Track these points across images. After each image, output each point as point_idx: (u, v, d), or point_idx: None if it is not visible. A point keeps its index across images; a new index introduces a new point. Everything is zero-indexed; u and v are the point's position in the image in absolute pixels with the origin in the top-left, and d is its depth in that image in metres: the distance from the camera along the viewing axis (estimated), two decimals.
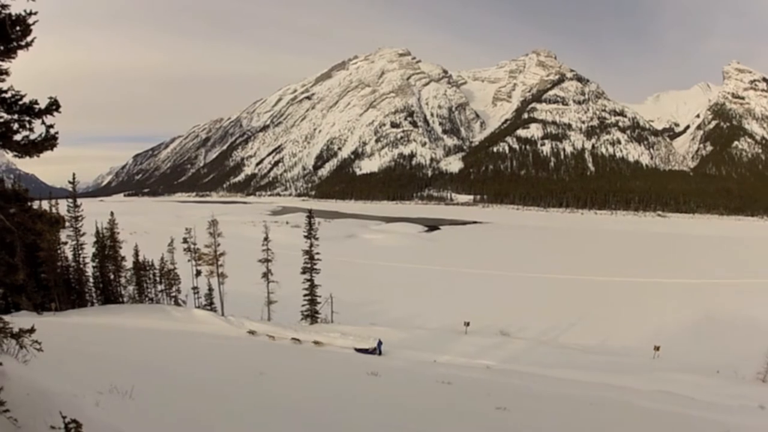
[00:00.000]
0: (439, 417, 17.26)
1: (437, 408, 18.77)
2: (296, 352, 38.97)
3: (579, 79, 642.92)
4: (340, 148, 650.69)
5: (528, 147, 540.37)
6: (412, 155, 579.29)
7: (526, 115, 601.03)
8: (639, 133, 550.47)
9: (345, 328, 53.69)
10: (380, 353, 45.00)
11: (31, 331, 9.42)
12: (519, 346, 50.01)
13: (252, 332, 48.48)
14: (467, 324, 54.62)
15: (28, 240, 9.04)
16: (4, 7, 7.75)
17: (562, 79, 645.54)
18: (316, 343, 46.51)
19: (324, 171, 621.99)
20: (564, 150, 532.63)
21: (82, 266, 64.82)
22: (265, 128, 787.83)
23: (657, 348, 49.17)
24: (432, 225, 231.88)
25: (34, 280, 55.62)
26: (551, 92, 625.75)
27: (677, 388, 33.09)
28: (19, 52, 8.30)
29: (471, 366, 37.94)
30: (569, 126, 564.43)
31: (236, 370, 23.96)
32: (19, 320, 11.47)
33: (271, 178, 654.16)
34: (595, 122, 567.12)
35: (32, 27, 8.07)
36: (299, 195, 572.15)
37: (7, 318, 9.61)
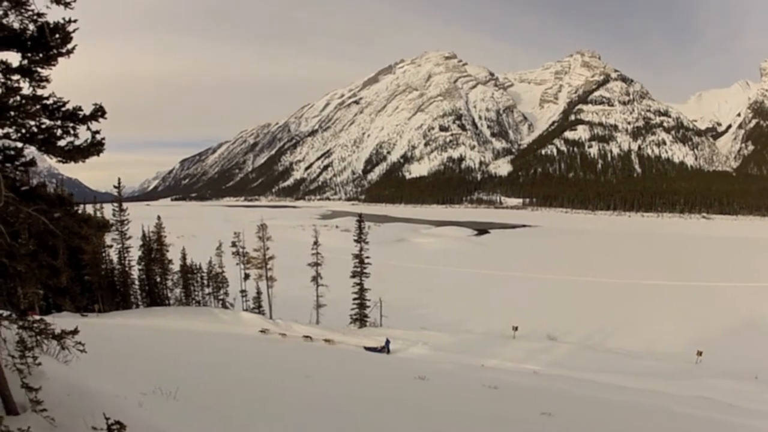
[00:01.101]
0: (484, 422, 17.11)
1: (482, 413, 18.60)
2: (332, 354, 38.96)
3: (623, 79, 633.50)
4: (389, 152, 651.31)
5: (575, 149, 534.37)
6: (461, 159, 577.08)
7: (572, 117, 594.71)
8: (683, 133, 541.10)
9: (394, 332, 53.53)
10: (388, 352, 45.38)
11: (74, 332, 9.44)
12: (565, 351, 49.36)
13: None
14: (515, 328, 54.07)
15: (73, 244, 9.14)
16: (40, 15, 7.85)
17: (606, 80, 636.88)
18: (326, 341, 47.00)
19: (373, 175, 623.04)
20: (611, 152, 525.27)
21: (127, 269, 65.90)
22: (313, 133, 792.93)
23: (700, 353, 48.19)
24: (481, 229, 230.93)
25: (79, 283, 56.70)
26: (596, 93, 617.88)
27: (717, 394, 32.52)
28: (60, 60, 8.38)
29: (518, 371, 37.57)
30: (615, 127, 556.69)
31: (282, 371, 24.07)
32: (61, 321, 11.62)
33: (320, 183, 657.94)
34: (641, 123, 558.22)
35: (72, 35, 8.11)
36: (349, 199, 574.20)
37: (48, 319, 9.72)
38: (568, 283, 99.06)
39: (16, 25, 7.84)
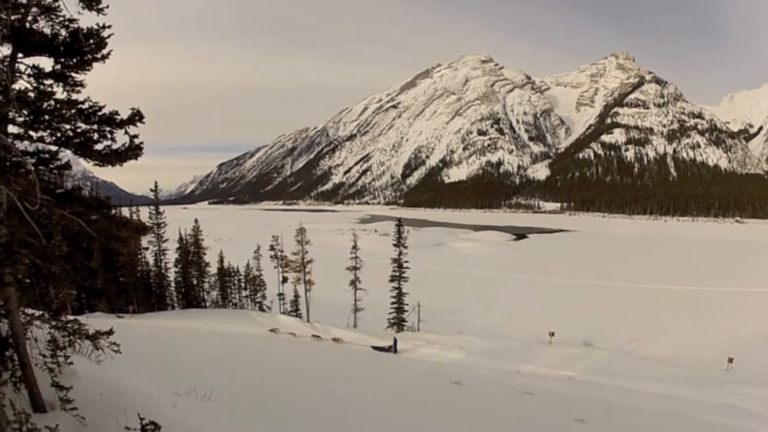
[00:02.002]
0: (519, 428, 17.14)
1: (517, 419, 18.57)
2: (369, 358, 39.02)
3: (657, 81, 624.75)
4: (427, 157, 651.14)
5: (612, 153, 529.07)
6: (499, 163, 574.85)
7: (609, 120, 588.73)
8: (717, 135, 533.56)
9: (431, 337, 53.58)
10: (396, 351, 46.13)
11: (109, 333, 9.58)
12: (600, 357, 48.85)
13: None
14: (552, 334, 53.66)
15: (110, 246, 9.27)
16: (72, 21, 7.96)
17: (641, 82, 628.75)
18: (335, 339, 47.85)
19: (412, 179, 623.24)
20: (647, 155, 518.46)
21: (163, 271, 66.76)
22: (351, 137, 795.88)
23: (730, 360, 47.35)
24: (520, 233, 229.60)
25: (115, 284, 57.53)
26: (632, 96, 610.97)
27: (746, 402, 31.94)
28: (95, 65, 8.49)
29: (553, 377, 37.27)
30: (651, 130, 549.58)
31: (318, 374, 24.16)
32: (94, 321, 11.75)
33: (359, 187, 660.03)
34: (675, 126, 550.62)
35: (107, 40, 8.20)
36: (388, 203, 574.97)
37: (82, 319, 9.84)
38: (605, 289, 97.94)
39: (47, 31, 7.97)
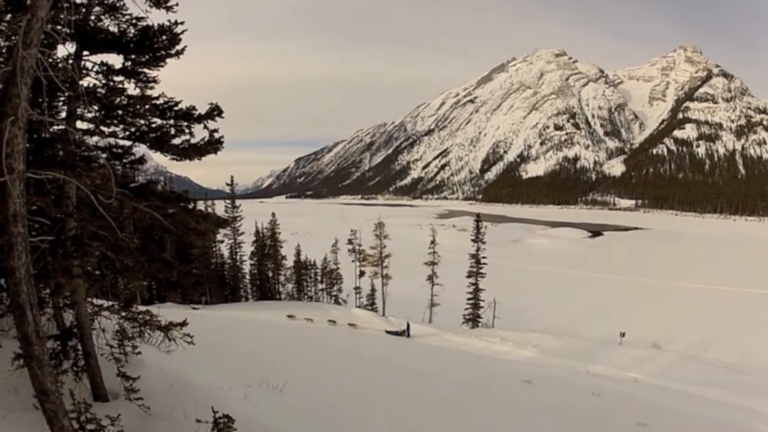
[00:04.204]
0: (585, 428, 17.36)
1: (583, 419, 18.77)
2: (446, 356, 38.93)
3: (724, 75, 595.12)
4: (505, 152, 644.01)
5: (684, 149, 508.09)
6: (576, 158, 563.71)
7: (680, 115, 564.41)
8: None
9: (505, 334, 53.13)
10: (408, 335, 48.12)
11: (183, 324, 9.65)
12: (667, 360, 47.53)
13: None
14: (623, 334, 52.60)
15: (188, 239, 9.37)
16: (139, 19, 8.07)
17: (709, 76, 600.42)
18: (351, 325, 49.26)
19: (490, 174, 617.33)
20: (717, 151, 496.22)
21: (238, 264, 68.06)
22: (429, 132, 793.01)
23: None
24: (595, 231, 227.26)
25: (190, 276, 59.00)
26: (701, 90, 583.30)
27: None
28: (169, 61, 8.60)
29: (620, 378, 36.80)
30: (720, 125, 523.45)
31: (391, 369, 24.32)
32: (166, 312, 11.93)
33: (437, 182, 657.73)
34: (743, 121, 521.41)
35: (181, 36, 8.24)
36: (466, 198, 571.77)
37: (154, 310, 10.00)
38: (676, 289, 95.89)
39: (113, 29, 8.12)
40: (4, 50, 7.48)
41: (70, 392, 6.76)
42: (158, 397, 8.64)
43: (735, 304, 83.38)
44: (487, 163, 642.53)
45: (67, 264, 7.39)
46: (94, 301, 9.03)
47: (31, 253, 6.14)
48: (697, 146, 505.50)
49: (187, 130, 8.71)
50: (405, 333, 47.94)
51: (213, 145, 8.85)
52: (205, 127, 8.67)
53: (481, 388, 22.82)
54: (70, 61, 7.69)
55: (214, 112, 8.62)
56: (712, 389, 35.24)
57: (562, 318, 70.46)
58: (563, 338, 54.15)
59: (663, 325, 67.37)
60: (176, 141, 8.73)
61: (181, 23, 8.16)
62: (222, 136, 8.88)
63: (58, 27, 7.13)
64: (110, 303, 9.33)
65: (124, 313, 9.27)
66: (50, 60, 7.12)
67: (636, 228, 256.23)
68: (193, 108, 8.61)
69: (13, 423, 7.40)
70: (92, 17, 8.00)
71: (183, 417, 8.32)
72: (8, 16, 7.22)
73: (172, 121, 8.65)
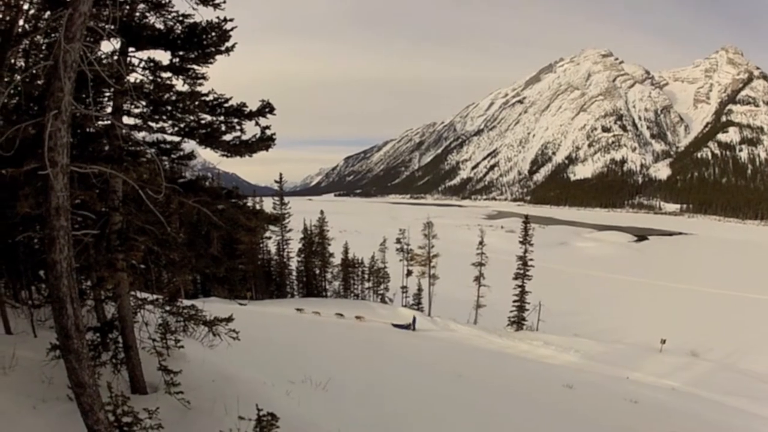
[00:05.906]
0: None
1: (620, 426, 18.74)
2: (486, 357, 38.75)
3: (765, 77, 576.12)
4: (554, 153, 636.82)
5: (728, 153, 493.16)
6: (623, 161, 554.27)
7: (724, 118, 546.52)
8: None
9: (548, 337, 52.92)
10: (414, 329, 47.97)
11: (229, 320, 9.72)
12: (704, 369, 46.64)
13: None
14: (663, 341, 51.75)
15: (237, 235, 9.41)
16: (186, 16, 8.09)
17: (750, 78, 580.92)
18: (357, 318, 48.92)
19: (539, 176, 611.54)
20: (759, 156, 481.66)
21: (285, 260, 68.40)
22: (479, 132, 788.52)
23: None
24: (640, 235, 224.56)
25: (237, 272, 59.53)
26: (743, 93, 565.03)
27: None
28: (219, 57, 8.61)
29: (658, 386, 36.44)
30: (761, 129, 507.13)
31: (432, 369, 24.26)
32: (212, 307, 11.97)
33: (486, 183, 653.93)
34: None
35: (230, 33, 8.26)
36: (515, 200, 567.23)
37: (199, 304, 10.08)
38: (718, 297, 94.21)
39: (159, 26, 8.17)
40: (44, 47, 7.56)
41: (107, 384, 6.74)
42: (199, 391, 8.68)
43: None
44: (536, 165, 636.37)
45: (111, 257, 7.45)
46: (138, 294, 9.10)
47: (74, 246, 6.17)
48: (740, 150, 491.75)
49: (237, 127, 8.75)
50: (411, 326, 48.21)
51: (264, 141, 8.88)
52: (257, 123, 8.70)
53: (522, 391, 22.98)
54: (116, 57, 7.75)
55: (266, 109, 8.63)
56: (745, 400, 34.67)
57: (605, 323, 69.65)
58: (605, 344, 53.65)
59: (703, 332, 66.19)
60: (227, 137, 8.77)
61: (231, 20, 8.16)
62: (274, 133, 8.89)
63: (101, 24, 7.19)
64: (154, 297, 9.39)
65: (168, 307, 9.33)
66: (95, 56, 7.17)
67: (681, 233, 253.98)
68: (244, 105, 8.63)
69: (44, 413, 7.48)
70: (137, 14, 8.06)
71: (224, 412, 8.31)
72: (47, 14, 7.30)
73: (222, 118, 8.68)
